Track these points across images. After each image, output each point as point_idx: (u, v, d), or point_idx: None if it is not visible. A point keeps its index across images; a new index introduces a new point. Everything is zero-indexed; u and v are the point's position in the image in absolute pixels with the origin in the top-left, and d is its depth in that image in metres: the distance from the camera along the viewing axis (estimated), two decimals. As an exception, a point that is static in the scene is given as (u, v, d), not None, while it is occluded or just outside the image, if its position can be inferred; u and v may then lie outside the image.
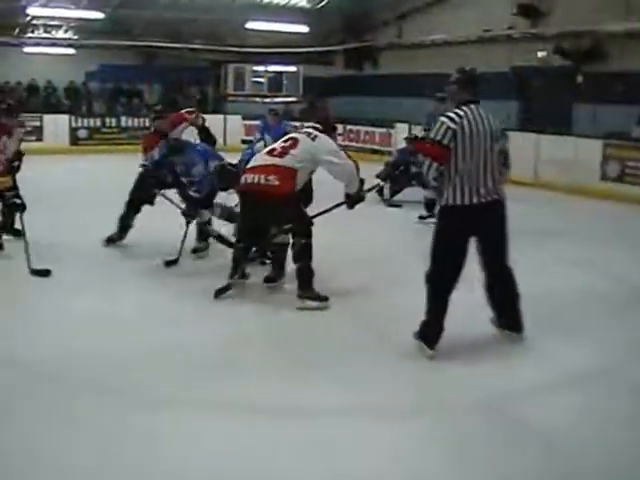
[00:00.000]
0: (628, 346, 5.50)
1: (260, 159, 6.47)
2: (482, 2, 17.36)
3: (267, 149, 6.62)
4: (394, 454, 3.84)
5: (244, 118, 20.36)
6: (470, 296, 5.42)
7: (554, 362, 5.12)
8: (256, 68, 22.50)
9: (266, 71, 22.62)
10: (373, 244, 8.72)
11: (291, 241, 6.41)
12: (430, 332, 5.13)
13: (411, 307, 6.13)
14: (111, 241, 8.07)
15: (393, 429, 4.12)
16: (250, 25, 20.64)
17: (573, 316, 6.15)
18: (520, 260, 7.89)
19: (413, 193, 11.42)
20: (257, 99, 21.96)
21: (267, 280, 6.76)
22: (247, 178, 6.33)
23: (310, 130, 6.55)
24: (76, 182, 13.20)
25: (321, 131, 6.54)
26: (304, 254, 6.19)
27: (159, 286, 6.78)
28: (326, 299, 6.24)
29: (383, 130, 18.63)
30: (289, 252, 6.60)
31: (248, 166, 6.53)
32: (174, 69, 22.34)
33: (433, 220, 10.01)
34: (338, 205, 6.73)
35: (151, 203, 8.09)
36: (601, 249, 8.62)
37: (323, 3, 20.98)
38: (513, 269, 5.32)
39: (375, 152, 18.16)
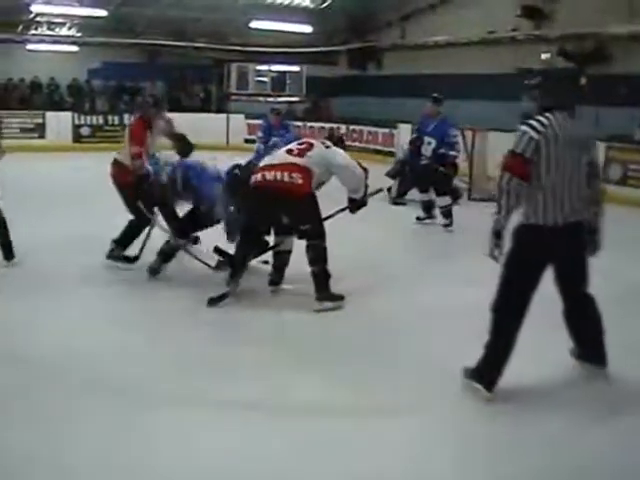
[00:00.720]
0: (629, 348, 5.49)
1: (279, 157, 6.42)
2: (486, 4, 17.35)
3: (285, 149, 6.56)
4: (395, 454, 3.84)
5: (247, 117, 20.38)
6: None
7: (555, 362, 5.11)
8: (259, 67, 22.52)
9: (269, 70, 22.63)
10: (376, 244, 8.70)
11: (297, 243, 6.39)
12: (489, 372, 4.55)
13: (412, 307, 6.23)
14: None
15: (394, 429, 4.11)
16: (254, 24, 20.65)
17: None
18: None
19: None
20: (260, 98, 21.98)
21: (272, 283, 6.77)
22: (266, 175, 6.23)
23: (324, 141, 6.62)
24: (77, 180, 13.17)
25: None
26: (320, 257, 6.17)
27: (157, 289, 6.75)
28: (341, 298, 6.28)
29: (386, 130, 18.59)
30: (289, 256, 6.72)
31: (264, 164, 6.46)
32: (177, 67, 22.38)
33: (430, 221, 10.15)
34: (342, 210, 6.75)
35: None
36: (603, 252, 8.58)
37: (327, 3, 20.99)
38: (594, 297, 4.83)
39: (378, 152, 18.14)
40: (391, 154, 16.29)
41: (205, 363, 5.01)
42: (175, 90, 22.45)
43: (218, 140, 19.78)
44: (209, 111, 22.11)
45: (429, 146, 10.00)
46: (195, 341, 5.41)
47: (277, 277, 6.80)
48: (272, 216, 6.39)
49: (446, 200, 9.92)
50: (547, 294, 4.67)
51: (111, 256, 7.34)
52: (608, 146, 13.19)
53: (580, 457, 3.88)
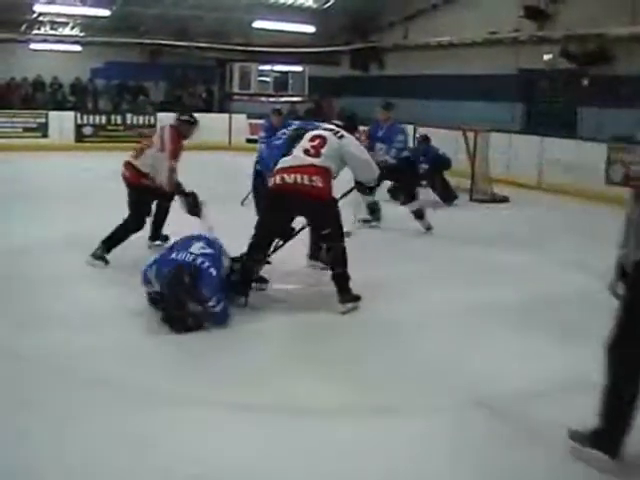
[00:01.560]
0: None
1: (296, 159, 6.21)
2: (488, 4, 17.32)
3: (301, 148, 6.29)
4: (396, 454, 3.84)
5: (249, 117, 20.38)
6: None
7: (553, 364, 5.13)
8: (262, 67, 22.52)
9: (272, 70, 22.63)
10: (376, 244, 8.71)
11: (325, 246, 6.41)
12: (612, 433, 3.70)
13: (412, 307, 6.30)
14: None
15: (395, 429, 4.10)
16: (256, 24, 20.64)
17: (569, 318, 6.18)
18: (526, 263, 7.91)
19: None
20: (262, 98, 22.00)
21: (311, 257, 7.34)
22: (285, 178, 6.11)
23: (335, 128, 6.48)
24: (79, 179, 13.21)
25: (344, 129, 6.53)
26: (341, 259, 6.17)
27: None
28: (359, 298, 6.24)
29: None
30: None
31: (282, 165, 6.26)
32: (180, 67, 22.39)
33: (376, 224, 10.03)
34: (349, 191, 7.00)
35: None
36: (604, 252, 8.59)
37: (329, 3, 20.96)
38: None
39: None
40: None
41: (206, 364, 5.01)
42: (177, 90, 22.47)
43: (220, 140, 19.81)
44: (211, 111, 22.12)
45: (380, 152, 9.94)
46: (195, 342, 5.40)
47: (314, 251, 7.25)
48: (290, 219, 6.47)
49: (413, 205, 9.79)
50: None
51: (94, 255, 7.31)
52: (611, 147, 13.20)
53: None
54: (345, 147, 6.29)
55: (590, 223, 10.91)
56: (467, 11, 18.05)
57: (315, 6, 21.29)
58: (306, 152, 6.22)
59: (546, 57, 16.53)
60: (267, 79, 22.75)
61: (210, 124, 19.75)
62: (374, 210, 10.10)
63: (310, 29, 21.29)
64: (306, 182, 6.03)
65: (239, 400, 4.42)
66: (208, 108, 22.33)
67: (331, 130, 6.45)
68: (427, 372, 4.96)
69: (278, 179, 6.16)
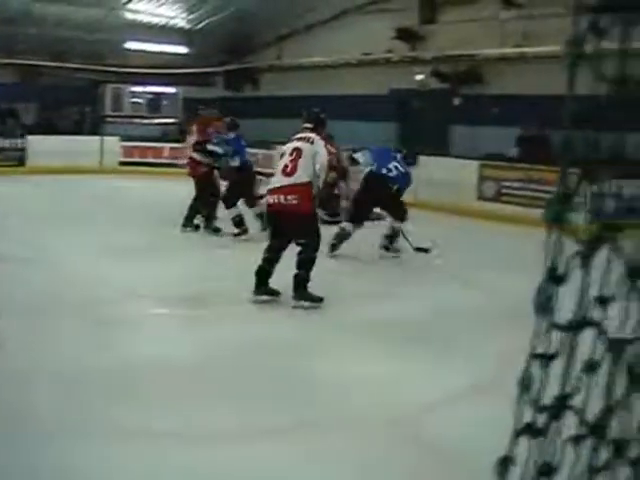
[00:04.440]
0: (502, 360, 5.60)
1: (278, 180, 7.11)
2: (362, 26, 17.60)
3: (281, 166, 7.18)
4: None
5: (122, 139, 20.01)
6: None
7: (438, 379, 5.19)
8: (134, 89, 22.17)
9: (145, 92, 22.31)
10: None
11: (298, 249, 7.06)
12: None
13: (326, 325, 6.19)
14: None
15: (305, 447, 4.12)
16: (129, 45, 20.38)
17: (449, 332, 6.32)
18: (402, 279, 8.01)
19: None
20: (136, 120, 21.66)
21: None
22: (269, 199, 7.13)
23: (306, 135, 7.35)
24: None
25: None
26: (307, 264, 6.95)
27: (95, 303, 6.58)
28: (320, 300, 7.00)
29: (264, 151, 18.62)
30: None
31: (270, 187, 7.19)
32: (53, 88, 21.78)
33: (246, 237, 10.20)
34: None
35: None
36: (477, 266, 8.80)
37: (202, 24, 20.84)
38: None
39: (258, 173, 18.05)
40: (270, 175, 16.26)
41: (122, 391, 4.88)
42: (48, 112, 21.87)
43: (91, 163, 19.34)
44: (83, 133, 21.60)
45: None
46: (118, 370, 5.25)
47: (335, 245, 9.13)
48: (284, 233, 7.10)
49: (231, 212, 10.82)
50: None
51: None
52: (482, 164, 13.55)
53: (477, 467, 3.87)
54: (315, 148, 7.15)
55: (465, 238, 11.15)
56: (341, 32, 18.31)
57: (188, 27, 21.15)
58: (284, 170, 7.08)
59: (418, 77, 16.87)
60: (140, 101, 22.40)
61: (81, 146, 19.38)
62: (239, 222, 10.79)
63: (183, 50, 21.15)
64: (283, 201, 6.95)
65: (146, 429, 4.32)
66: (79, 130, 21.80)
67: (304, 139, 7.29)
68: (339, 386, 5.05)
69: (270, 200, 7.12)
